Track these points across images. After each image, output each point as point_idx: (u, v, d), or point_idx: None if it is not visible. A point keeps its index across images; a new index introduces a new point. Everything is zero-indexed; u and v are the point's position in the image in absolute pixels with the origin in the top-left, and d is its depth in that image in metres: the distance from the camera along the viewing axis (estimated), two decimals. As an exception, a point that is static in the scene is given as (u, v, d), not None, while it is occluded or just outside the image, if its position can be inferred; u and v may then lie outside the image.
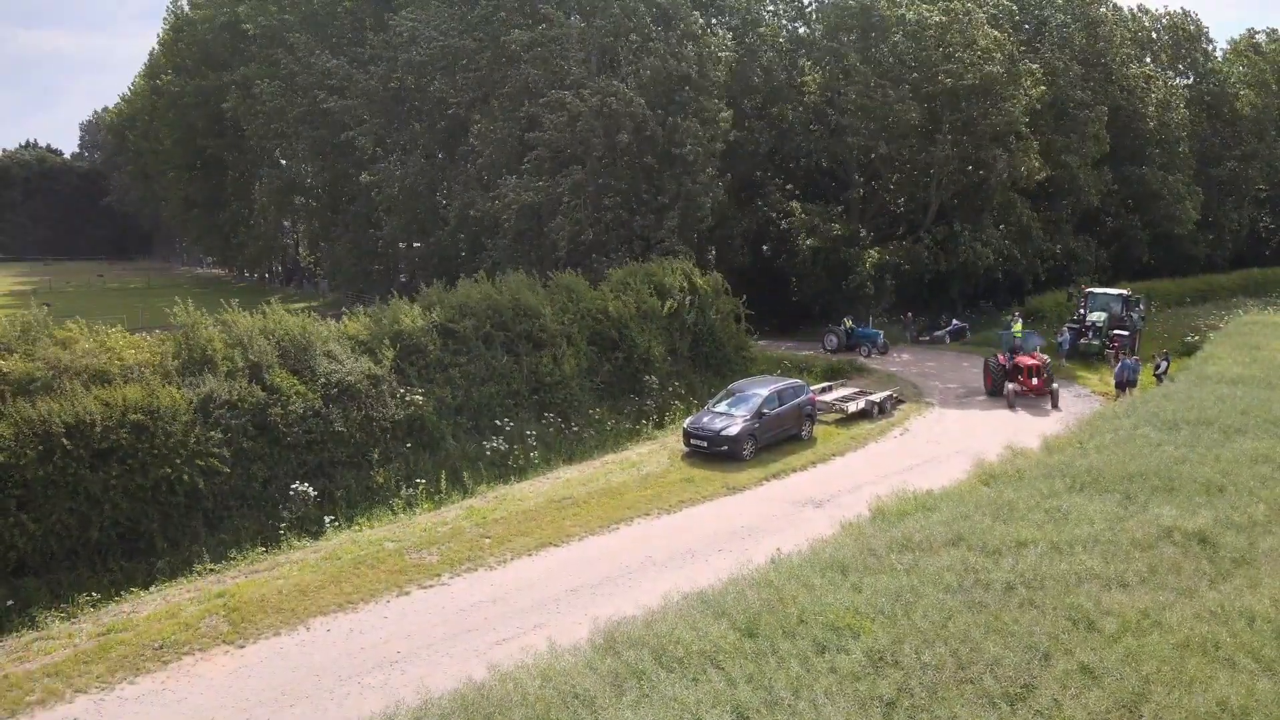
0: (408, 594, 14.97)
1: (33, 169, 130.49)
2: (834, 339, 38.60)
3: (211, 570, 16.45)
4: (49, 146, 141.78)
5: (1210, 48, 69.81)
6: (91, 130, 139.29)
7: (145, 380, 17.69)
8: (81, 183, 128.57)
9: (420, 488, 20.41)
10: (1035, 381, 28.25)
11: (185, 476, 17.30)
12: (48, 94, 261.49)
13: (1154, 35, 66.62)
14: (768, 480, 21.14)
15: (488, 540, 17.18)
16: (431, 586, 15.26)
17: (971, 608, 11.91)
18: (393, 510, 19.63)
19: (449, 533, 17.58)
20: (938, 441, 24.59)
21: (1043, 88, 41.64)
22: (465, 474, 21.48)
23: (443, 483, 20.82)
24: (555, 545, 17.09)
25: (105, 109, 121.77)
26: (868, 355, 36.93)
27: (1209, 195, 59.45)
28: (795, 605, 11.97)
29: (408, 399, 21.96)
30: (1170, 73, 62.28)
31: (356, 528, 18.55)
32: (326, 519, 18.85)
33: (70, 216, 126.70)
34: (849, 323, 39.42)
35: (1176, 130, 53.44)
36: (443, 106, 43.95)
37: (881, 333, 38.96)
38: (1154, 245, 56.47)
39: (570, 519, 18.34)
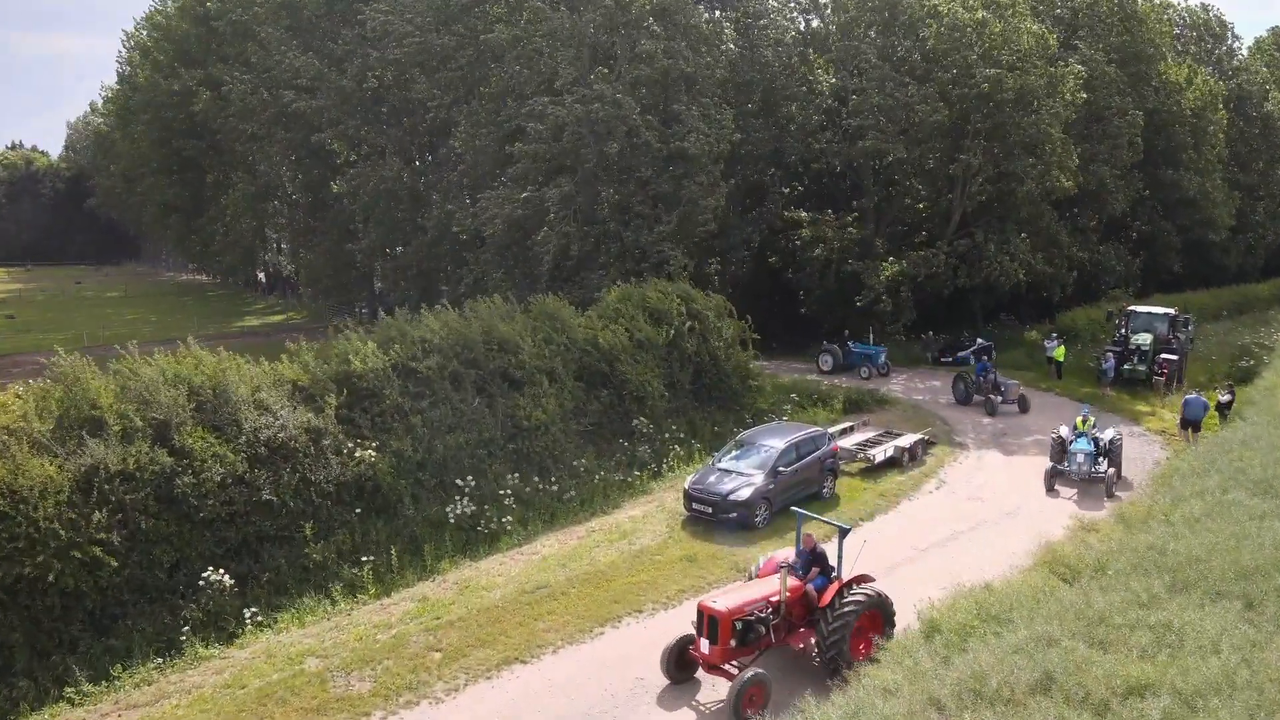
0: (322, 748, 11.50)
1: (17, 171, 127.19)
2: (829, 358, 35.57)
3: (86, 696, 12.98)
4: (34, 148, 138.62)
5: (1236, 45, 66.65)
6: (79, 132, 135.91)
7: (9, 452, 14.17)
8: (67, 185, 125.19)
9: (367, 567, 16.94)
10: (712, 650, 12.61)
11: (58, 573, 13.81)
12: (52, 97, 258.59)
13: (1178, 32, 63.36)
14: (785, 557, 17.59)
15: (438, 655, 13.68)
16: (356, 735, 11.78)
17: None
18: (331, 598, 16.17)
19: (391, 642, 14.07)
20: (980, 498, 21.11)
21: (1084, 95, 38.07)
22: (424, 546, 18.03)
23: (395, 558, 17.36)
24: (523, 661, 13.59)
25: (90, 109, 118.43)
26: (867, 377, 33.82)
27: (1240, 200, 56.03)
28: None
29: (357, 455, 18.45)
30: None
31: (280, 627, 15.08)
32: (247, 611, 15.42)
33: (55, 220, 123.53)
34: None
35: (1213, 132, 49.89)
36: (422, 108, 40.48)
37: (884, 349, 35.75)
38: (1185, 254, 53.02)
39: (544, 619, 14.84)
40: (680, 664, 13.03)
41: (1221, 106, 51.89)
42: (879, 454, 22.58)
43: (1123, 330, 33.49)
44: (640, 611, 15.14)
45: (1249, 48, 70.16)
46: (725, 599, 13.00)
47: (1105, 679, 10.76)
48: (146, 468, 15.37)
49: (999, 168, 37.89)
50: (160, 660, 13.97)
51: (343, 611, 15.66)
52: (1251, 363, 33.59)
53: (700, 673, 13.05)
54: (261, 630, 15.03)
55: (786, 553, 14.34)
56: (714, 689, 12.73)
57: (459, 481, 19.32)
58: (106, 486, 14.80)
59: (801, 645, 13.42)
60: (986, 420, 28.12)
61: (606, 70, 34.79)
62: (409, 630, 14.44)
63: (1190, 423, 24.38)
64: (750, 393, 27.87)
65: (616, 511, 20.25)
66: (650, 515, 19.82)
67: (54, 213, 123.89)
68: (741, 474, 19.31)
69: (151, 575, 15.21)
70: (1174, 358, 31.94)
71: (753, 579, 14.07)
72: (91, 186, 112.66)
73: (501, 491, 19.82)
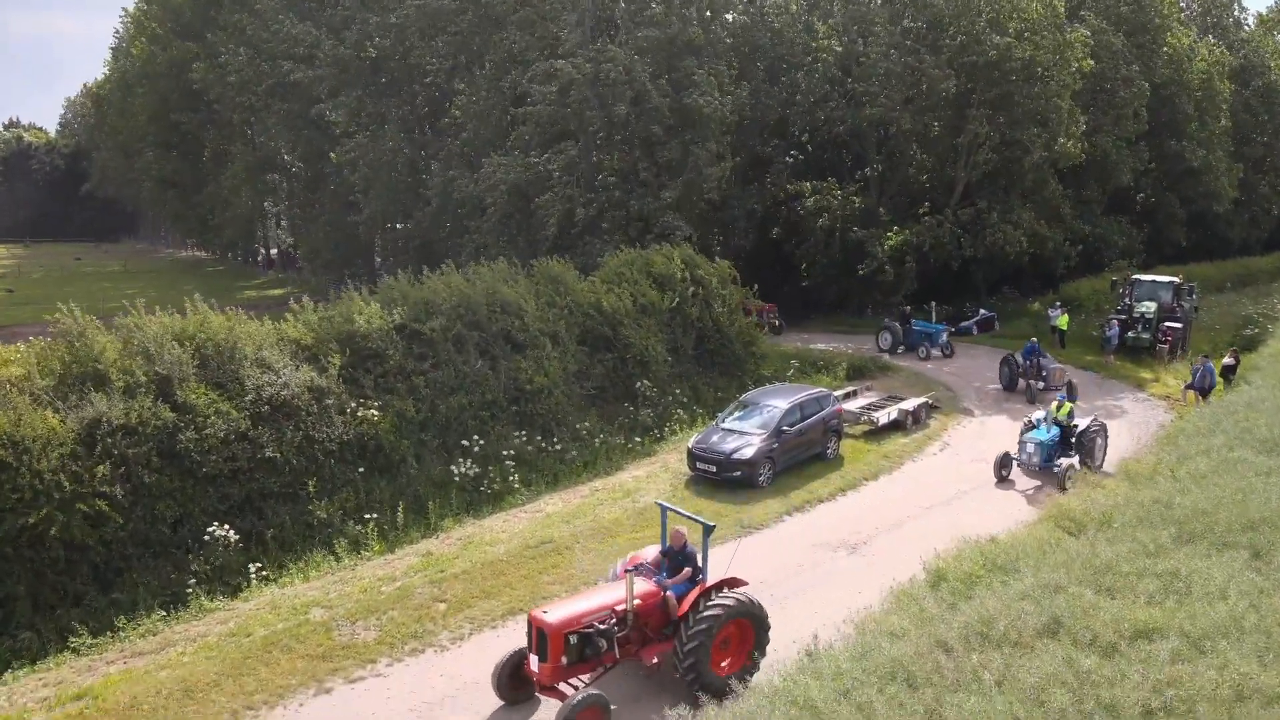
0: (328, 691, 11.48)
1: (13, 148, 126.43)
2: (889, 336, 33.28)
3: (90, 647, 12.96)
4: (31, 125, 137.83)
5: (1242, 17, 66.01)
6: (75, 110, 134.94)
7: (11, 403, 14.10)
8: (65, 162, 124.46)
9: (371, 524, 16.92)
10: (542, 668, 10.90)
11: (61, 525, 13.77)
12: (49, 77, 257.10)
13: (1184, 4, 62.68)
14: (789, 514, 17.59)
15: (442, 605, 13.67)
16: (362, 679, 11.75)
17: (1102, 753, 8.42)
18: (335, 554, 16.15)
19: (395, 594, 14.06)
20: (985, 459, 20.95)
21: (1091, 62, 37.69)
22: (429, 504, 17.99)
23: (400, 516, 17.32)
24: (527, 612, 13.51)
25: (85, 88, 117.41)
26: (925, 357, 31.70)
27: (1243, 173, 55.65)
28: (850, 748, 8.48)
29: (359, 414, 18.40)
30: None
31: (285, 580, 15.07)
32: (252, 566, 15.40)
33: (54, 196, 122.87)
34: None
35: (1218, 103, 49.45)
36: (421, 76, 40.12)
37: (946, 327, 33.33)
38: (1189, 226, 52.75)
39: (549, 572, 14.83)
40: (515, 682, 11.16)
41: (1227, 78, 51.42)
42: (883, 416, 22.51)
43: (1127, 298, 33.32)
44: (645, 565, 15.07)
45: (1255, 19, 69.46)
46: (559, 609, 11.05)
47: (1113, 623, 10.76)
48: (149, 422, 15.31)
49: (1004, 137, 37.59)
50: (165, 613, 13.93)
51: (347, 566, 15.63)
52: (1256, 330, 33.48)
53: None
54: (266, 585, 15.01)
55: (654, 550, 12.47)
56: (553, 710, 10.66)
57: (465, 442, 19.27)
58: (109, 440, 14.75)
59: (656, 660, 11.34)
60: (993, 387, 27.98)
61: (609, 39, 34.45)
62: (414, 582, 14.43)
63: (1203, 389, 24.27)
64: (753, 359, 27.78)
65: (620, 472, 20.21)
66: (654, 475, 19.80)
67: (51, 190, 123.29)
68: (745, 433, 19.23)
69: (155, 530, 15.20)
70: (1178, 326, 31.79)
71: (614, 580, 12.06)
72: (88, 167, 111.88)
73: (505, 453, 19.77)
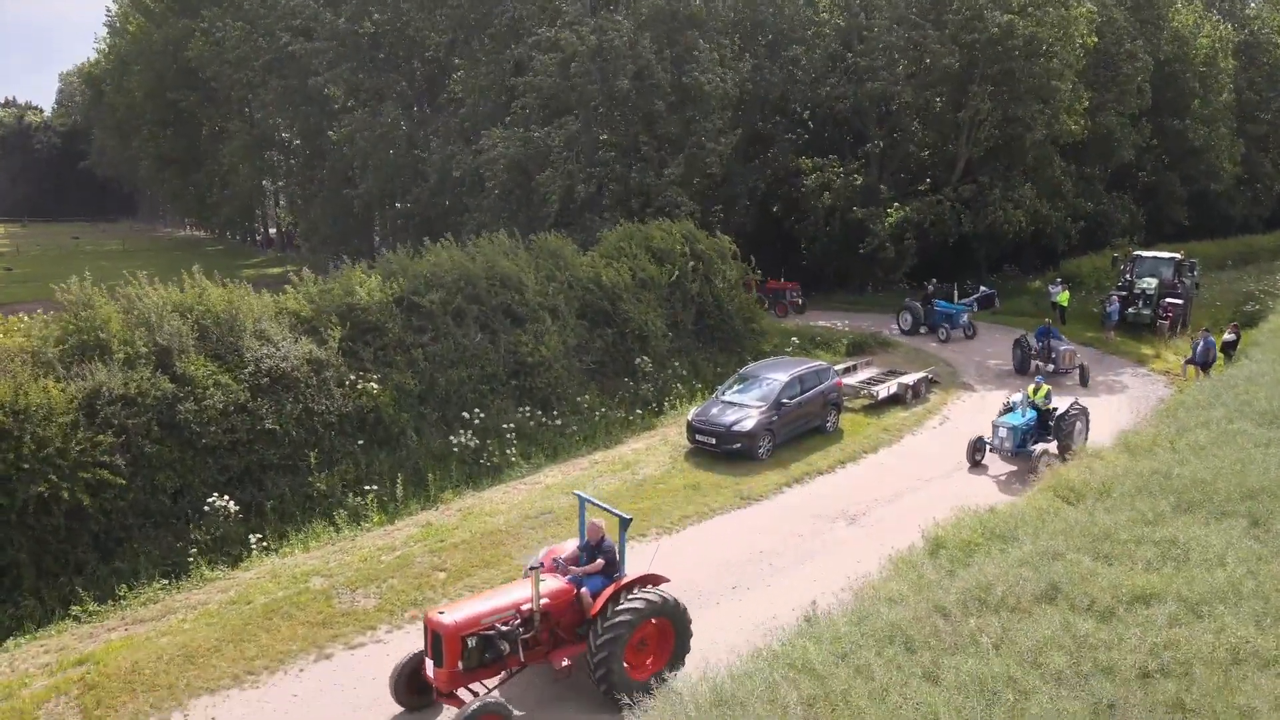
0: (329, 657, 11.52)
1: (10, 127, 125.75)
2: (909, 317, 32.40)
3: (92, 614, 13.01)
4: (28, 104, 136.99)
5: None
6: (71, 88, 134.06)
7: (13, 372, 14.09)
8: (62, 141, 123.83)
9: (371, 496, 16.95)
10: (438, 673, 10.06)
11: (65, 493, 13.79)
12: (46, 57, 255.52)
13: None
14: (788, 486, 17.61)
15: (442, 574, 13.72)
16: (362, 645, 11.80)
17: (1098, 713, 8.45)
18: (335, 525, 16.19)
19: (395, 562, 14.10)
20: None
21: (1094, 38, 37.43)
22: (428, 476, 18.02)
23: (400, 488, 17.35)
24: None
25: (79, 68, 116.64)
26: (945, 340, 30.82)
27: (1246, 151, 55.36)
28: (849, 709, 8.50)
29: (359, 387, 18.40)
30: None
31: (285, 551, 15.11)
32: (252, 537, 15.44)
33: (51, 175, 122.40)
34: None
35: (1221, 80, 49.12)
36: (420, 51, 39.82)
37: (967, 308, 32.27)
38: (1190, 204, 52.57)
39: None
40: (414, 687, 10.33)
41: (1231, 55, 51.05)
42: (883, 390, 22.51)
43: (1128, 275, 33.26)
44: (644, 536, 15.12)
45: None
46: (457, 609, 10.14)
47: (1111, 588, 10.79)
48: (149, 393, 15.32)
49: (1006, 113, 37.37)
50: (166, 581, 14.00)
51: (347, 537, 15.67)
52: (1256, 307, 33.41)
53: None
54: (266, 555, 15.05)
55: (573, 545, 11.60)
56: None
57: (464, 414, 19.28)
58: (109, 410, 14.75)
59: (567, 662, 10.50)
60: (994, 362, 27.96)
61: (610, 13, 34.18)
62: (413, 552, 14.48)
63: (1205, 363, 24.25)
64: (753, 335, 27.73)
65: (619, 445, 20.24)
66: (653, 448, 19.82)
67: (49, 169, 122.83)
68: (745, 406, 19.24)
69: (156, 500, 15.22)
70: (1179, 302, 31.75)
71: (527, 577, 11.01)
72: (85, 147, 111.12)
73: (504, 426, 19.79)
